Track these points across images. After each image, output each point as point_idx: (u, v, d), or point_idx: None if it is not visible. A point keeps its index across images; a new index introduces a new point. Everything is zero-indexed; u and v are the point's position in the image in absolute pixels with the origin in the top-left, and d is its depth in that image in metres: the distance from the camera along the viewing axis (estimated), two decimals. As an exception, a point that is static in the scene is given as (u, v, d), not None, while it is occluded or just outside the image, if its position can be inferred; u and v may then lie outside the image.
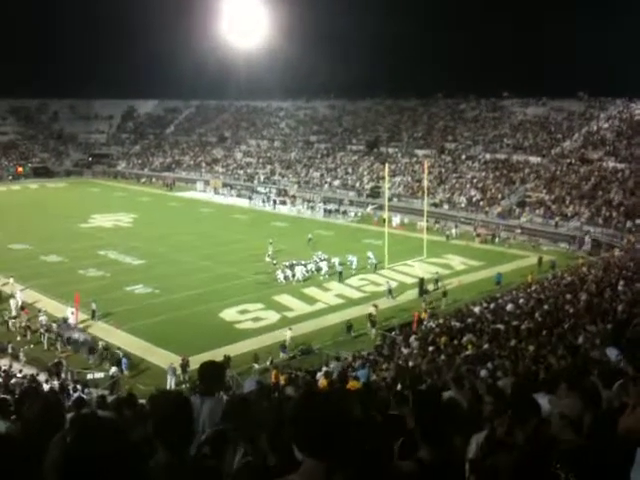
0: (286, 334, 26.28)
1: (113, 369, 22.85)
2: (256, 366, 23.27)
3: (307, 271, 35.78)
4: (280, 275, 34.75)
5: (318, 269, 36.42)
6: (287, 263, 36.01)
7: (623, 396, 6.22)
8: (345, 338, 27.05)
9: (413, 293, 32.84)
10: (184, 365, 22.77)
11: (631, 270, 25.49)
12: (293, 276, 35.00)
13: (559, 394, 6.22)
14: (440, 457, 2.92)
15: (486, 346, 17.65)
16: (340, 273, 35.39)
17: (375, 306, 29.07)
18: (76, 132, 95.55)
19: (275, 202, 62.29)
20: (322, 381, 17.32)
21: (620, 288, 21.32)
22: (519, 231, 47.05)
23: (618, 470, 4.66)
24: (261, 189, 67.63)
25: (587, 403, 5.57)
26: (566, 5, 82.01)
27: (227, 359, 22.84)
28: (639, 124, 56.57)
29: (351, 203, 59.91)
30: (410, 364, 17.84)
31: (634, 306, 16.59)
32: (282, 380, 18.90)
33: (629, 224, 42.86)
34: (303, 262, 36.37)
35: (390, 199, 49.25)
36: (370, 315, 28.18)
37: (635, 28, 71.35)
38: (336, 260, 36.71)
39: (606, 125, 58.61)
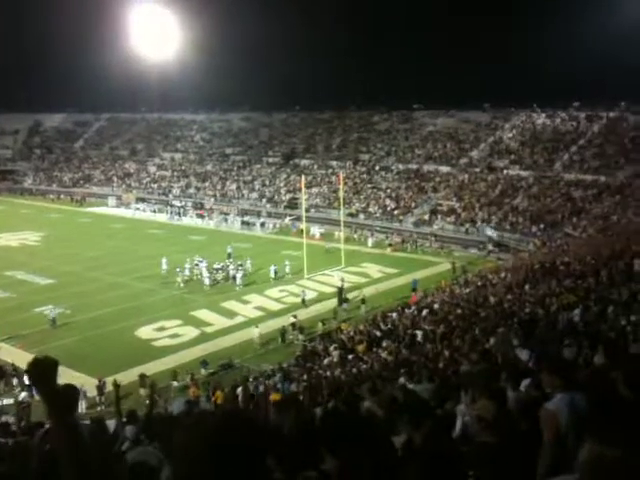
0: (254, 332, 27.41)
1: (23, 394, 21.74)
2: (175, 383, 22.81)
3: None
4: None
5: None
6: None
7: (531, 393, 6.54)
8: (268, 349, 27.09)
9: (332, 302, 33.08)
10: (100, 387, 21.99)
11: (537, 272, 26.69)
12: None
13: (471, 397, 6.45)
14: (344, 469, 2.97)
15: (404, 352, 18.04)
16: (234, 277, 36.80)
17: (294, 317, 29.20)
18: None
19: (180, 214, 62.13)
20: (242, 396, 17.18)
21: (527, 290, 22.32)
22: (433, 238, 48.44)
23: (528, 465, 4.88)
24: (176, 203, 66.48)
25: (497, 405, 5.81)
26: (470, 23, 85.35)
27: (142, 377, 22.24)
28: (541, 133, 59.70)
29: (269, 215, 59.85)
30: (329, 374, 17.97)
31: (541, 306, 17.41)
32: (219, 398, 18.40)
33: (534, 229, 45.01)
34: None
35: (308, 210, 49.58)
36: (293, 325, 28.43)
37: (534, 43, 75.43)
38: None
39: (510, 135, 61.45)
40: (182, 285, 36.13)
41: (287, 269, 38.71)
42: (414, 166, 61.38)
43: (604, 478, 1.88)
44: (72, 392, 5.27)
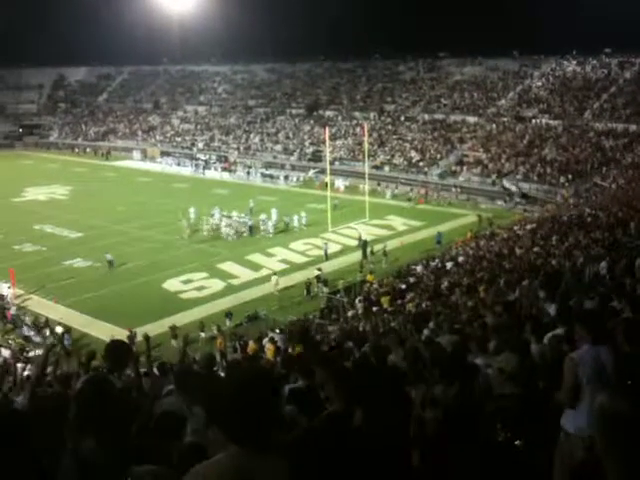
0: (272, 279, 28.29)
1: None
2: (202, 334, 23.26)
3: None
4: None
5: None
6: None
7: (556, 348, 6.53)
8: (294, 301, 27.34)
9: (355, 256, 33.14)
10: (131, 337, 22.49)
11: (564, 224, 26.37)
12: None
13: (494, 350, 6.46)
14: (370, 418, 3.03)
15: (427, 304, 18.09)
16: (250, 227, 37.58)
17: (319, 270, 29.33)
18: (5, 103, 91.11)
19: (204, 168, 62.19)
20: (269, 346, 17.51)
21: (553, 242, 22.08)
22: (458, 190, 47.90)
23: (550, 417, 4.92)
24: (201, 156, 66.51)
25: (520, 358, 5.83)
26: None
27: (173, 329, 22.72)
28: (571, 81, 58.06)
29: (293, 168, 59.61)
30: (354, 325, 18.15)
31: (568, 259, 17.23)
32: (252, 350, 18.65)
33: (562, 179, 44.23)
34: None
35: (332, 162, 49.26)
36: (318, 278, 28.53)
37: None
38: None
39: (539, 83, 59.88)
40: (186, 237, 36.68)
41: (303, 221, 39.07)
42: (440, 116, 60.33)
43: (608, 428, 1.96)
44: (123, 348, 5.40)
